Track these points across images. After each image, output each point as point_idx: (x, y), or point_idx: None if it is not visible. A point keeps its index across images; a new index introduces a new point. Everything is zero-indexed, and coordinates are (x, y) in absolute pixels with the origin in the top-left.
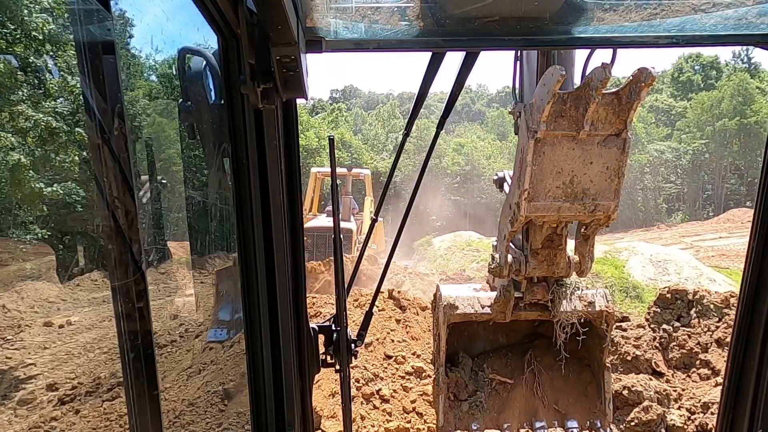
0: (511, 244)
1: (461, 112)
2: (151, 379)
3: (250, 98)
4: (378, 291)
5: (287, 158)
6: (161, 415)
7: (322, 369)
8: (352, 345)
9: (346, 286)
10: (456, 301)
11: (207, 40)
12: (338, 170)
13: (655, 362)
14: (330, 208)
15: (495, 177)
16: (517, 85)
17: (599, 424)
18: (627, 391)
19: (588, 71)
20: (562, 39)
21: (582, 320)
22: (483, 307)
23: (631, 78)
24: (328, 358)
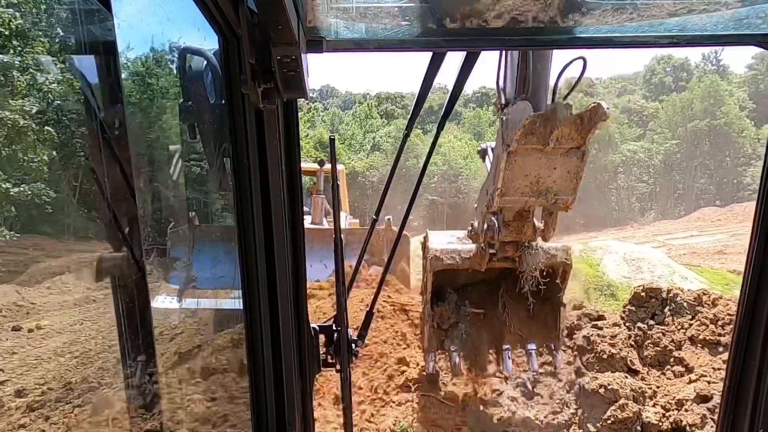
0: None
1: (437, 113)
2: (151, 378)
3: (251, 98)
4: (378, 292)
5: (288, 158)
6: (161, 414)
7: (322, 370)
8: (353, 345)
9: (347, 286)
10: (441, 254)
11: (207, 40)
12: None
13: (630, 360)
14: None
15: (479, 149)
16: (500, 81)
17: (553, 347)
18: (603, 390)
19: (565, 72)
20: (563, 39)
21: (545, 271)
22: (463, 260)
23: (589, 109)
24: (329, 358)
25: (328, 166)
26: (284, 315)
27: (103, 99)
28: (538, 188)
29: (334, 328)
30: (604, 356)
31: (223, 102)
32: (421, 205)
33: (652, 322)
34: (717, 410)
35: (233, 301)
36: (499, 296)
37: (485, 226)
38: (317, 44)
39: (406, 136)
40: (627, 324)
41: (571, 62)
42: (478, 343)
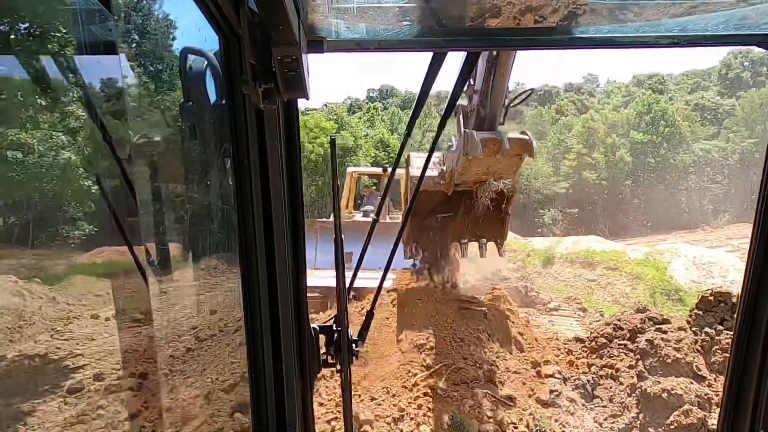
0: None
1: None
2: (152, 379)
3: (252, 98)
4: (378, 292)
5: (289, 158)
6: (161, 414)
7: (323, 371)
8: (353, 345)
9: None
10: (417, 178)
11: (208, 40)
12: (374, 170)
13: (696, 366)
14: (367, 207)
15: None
16: (471, 82)
17: (499, 242)
18: (666, 394)
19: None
20: (563, 39)
21: (494, 194)
22: (435, 185)
23: (519, 139)
24: (329, 358)
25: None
26: (284, 315)
27: (102, 99)
28: (487, 172)
29: (334, 328)
30: (668, 361)
31: (224, 102)
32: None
33: (720, 327)
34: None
35: (233, 301)
36: (460, 208)
37: (452, 173)
38: (318, 44)
39: (407, 136)
40: (693, 329)
41: (523, 93)
42: (444, 237)
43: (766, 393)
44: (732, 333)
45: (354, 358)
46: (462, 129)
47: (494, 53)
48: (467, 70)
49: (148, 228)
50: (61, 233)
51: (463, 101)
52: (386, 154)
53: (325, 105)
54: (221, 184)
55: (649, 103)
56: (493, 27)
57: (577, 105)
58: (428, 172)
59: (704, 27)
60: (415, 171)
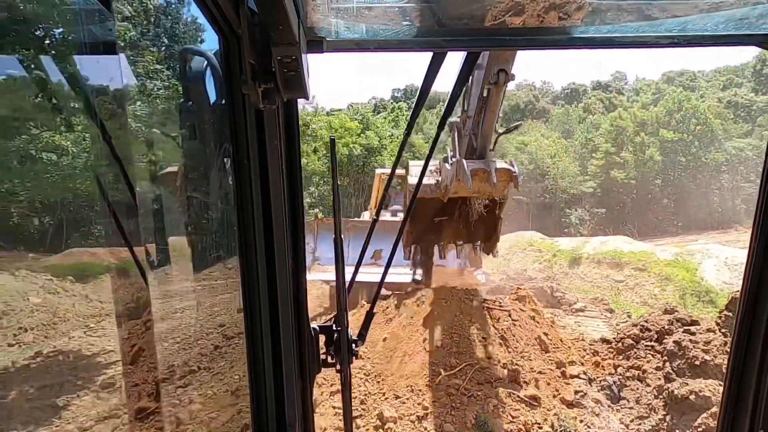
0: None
1: (524, 110)
2: (151, 379)
3: (251, 98)
4: (378, 292)
5: (288, 158)
6: (161, 414)
7: (323, 372)
8: (353, 345)
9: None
10: (415, 186)
11: (208, 40)
12: (402, 172)
13: (725, 368)
14: (395, 207)
15: (450, 122)
16: (467, 88)
17: (489, 250)
18: (694, 396)
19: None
20: (563, 39)
21: (487, 203)
22: (432, 192)
23: (505, 170)
24: (329, 358)
25: (453, 120)
26: (284, 315)
27: (102, 98)
28: (479, 191)
29: (334, 328)
30: (697, 362)
31: (224, 102)
32: (506, 204)
33: None
34: None
35: (233, 301)
36: (456, 213)
37: (446, 188)
38: (317, 44)
39: (407, 135)
40: (723, 330)
41: (512, 126)
42: (440, 240)
43: (766, 393)
44: (732, 333)
45: (354, 357)
46: (456, 147)
47: (485, 92)
48: (467, 70)
49: (171, 230)
50: (93, 233)
51: (458, 115)
52: (410, 154)
53: (350, 105)
54: (221, 183)
55: (679, 100)
56: (493, 27)
57: (605, 103)
58: (426, 180)
59: (704, 27)
60: (413, 179)
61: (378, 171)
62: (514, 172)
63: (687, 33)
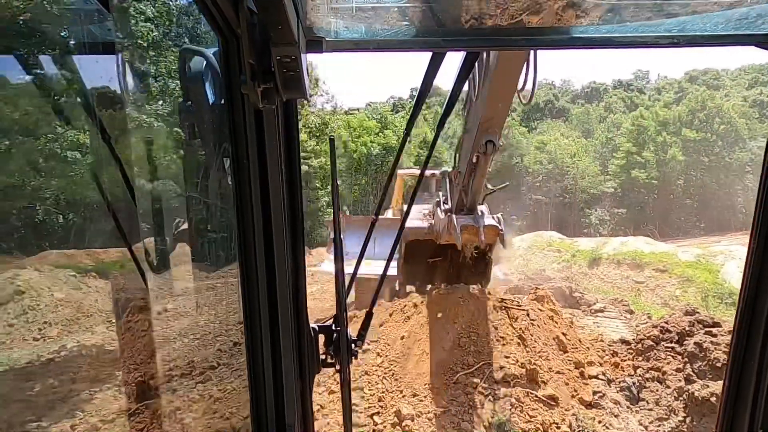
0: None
1: (543, 109)
2: (152, 378)
3: (251, 98)
4: (378, 292)
5: (288, 158)
6: (161, 414)
7: (323, 372)
8: (353, 345)
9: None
10: (411, 231)
11: (207, 40)
12: (415, 172)
13: None
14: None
15: (442, 171)
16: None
17: (481, 285)
18: (715, 398)
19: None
20: (563, 39)
21: (478, 249)
22: (426, 235)
23: (493, 227)
24: (329, 358)
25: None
26: (284, 315)
27: (102, 98)
28: (469, 241)
29: (333, 328)
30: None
31: (223, 102)
32: (525, 205)
33: None
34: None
35: (233, 301)
36: (448, 255)
37: (438, 234)
38: (317, 44)
39: (407, 135)
40: None
41: (499, 186)
42: (433, 281)
43: (765, 393)
44: (731, 332)
45: (353, 357)
46: (449, 196)
47: (474, 159)
48: (466, 70)
49: (145, 227)
50: (114, 231)
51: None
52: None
53: (369, 104)
54: (220, 183)
55: (703, 99)
56: (493, 27)
57: (626, 102)
58: (418, 223)
59: (703, 27)
60: (408, 230)
61: (399, 171)
62: (501, 230)
63: (686, 33)
